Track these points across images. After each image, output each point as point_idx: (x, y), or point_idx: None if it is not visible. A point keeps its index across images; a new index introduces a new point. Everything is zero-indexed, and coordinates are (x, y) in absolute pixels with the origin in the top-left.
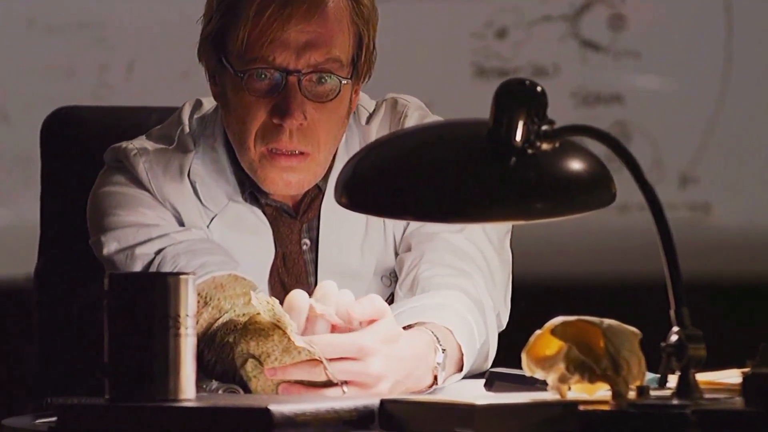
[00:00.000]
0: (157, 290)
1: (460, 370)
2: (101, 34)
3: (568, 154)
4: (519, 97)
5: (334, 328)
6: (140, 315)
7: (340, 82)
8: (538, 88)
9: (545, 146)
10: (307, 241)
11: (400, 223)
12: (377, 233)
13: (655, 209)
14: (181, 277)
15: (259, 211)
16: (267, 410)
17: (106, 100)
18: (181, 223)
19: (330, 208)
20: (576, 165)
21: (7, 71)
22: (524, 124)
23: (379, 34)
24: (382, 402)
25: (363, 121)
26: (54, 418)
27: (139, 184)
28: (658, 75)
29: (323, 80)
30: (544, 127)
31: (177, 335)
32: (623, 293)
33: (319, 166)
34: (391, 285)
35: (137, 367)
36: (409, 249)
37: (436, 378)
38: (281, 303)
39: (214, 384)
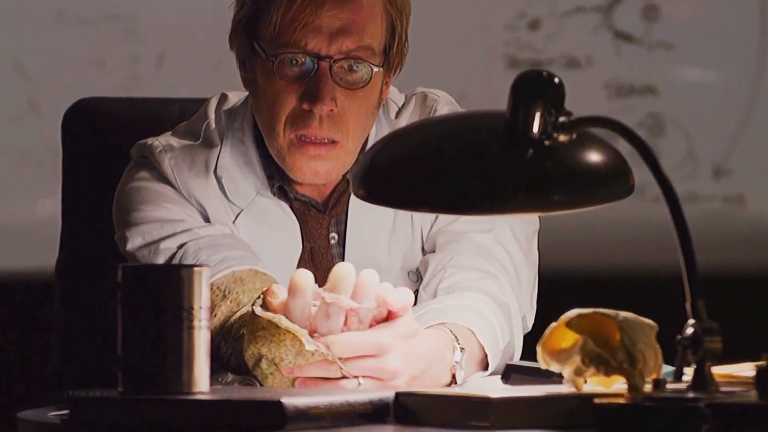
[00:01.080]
0: (170, 282)
1: (485, 369)
2: (131, 26)
3: (587, 145)
4: (536, 88)
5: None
6: (153, 307)
7: (372, 70)
8: (556, 80)
9: (563, 138)
10: (335, 236)
11: (428, 219)
12: (405, 228)
13: (672, 202)
14: (195, 269)
15: (286, 206)
16: (280, 403)
17: (136, 92)
18: (207, 220)
19: (358, 202)
20: (594, 157)
21: (37, 63)
22: (541, 116)
23: (411, 25)
24: (398, 395)
25: (392, 114)
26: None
27: (165, 180)
28: (692, 66)
29: (355, 67)
30: (562, 119)
31: (191, 328)
32: (654, 285)
33: (347, 155)
34: (417, 281)
35: (150, 360)
36: (434, 247)
37: (454, 377)
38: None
39: (230, 377)
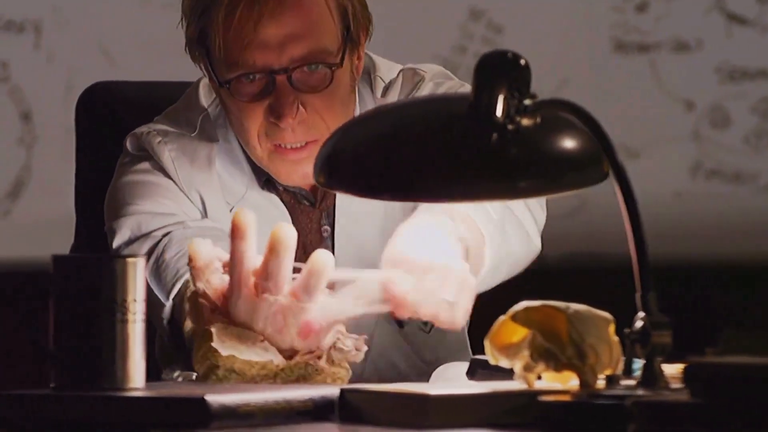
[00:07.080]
0: (102, 274)
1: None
2: None
3: (554, 130)
4: (500, 70)
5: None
6: (85, 300)
7: (331, 69)
8: (521, 61)
9: (526, 121)
10: (328, 228)
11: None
12: (399, 212)
13: (624, 189)
14: (129, 260)
15: (276, 200)
16: (203, 400)
17: None
18: (205, 214)
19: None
20: (562, 142)
21: (122, 48)
22: (505, 99)
23: (514, 10)
24: (342, 392)
25: (379, 93)
26: None
27: (164, 172)
28: None
29: (313, 70)
30: (526, 102)
31: (124, 321)
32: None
33: None
34: None
35: (82, 355)
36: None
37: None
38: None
39: (177, 372)
